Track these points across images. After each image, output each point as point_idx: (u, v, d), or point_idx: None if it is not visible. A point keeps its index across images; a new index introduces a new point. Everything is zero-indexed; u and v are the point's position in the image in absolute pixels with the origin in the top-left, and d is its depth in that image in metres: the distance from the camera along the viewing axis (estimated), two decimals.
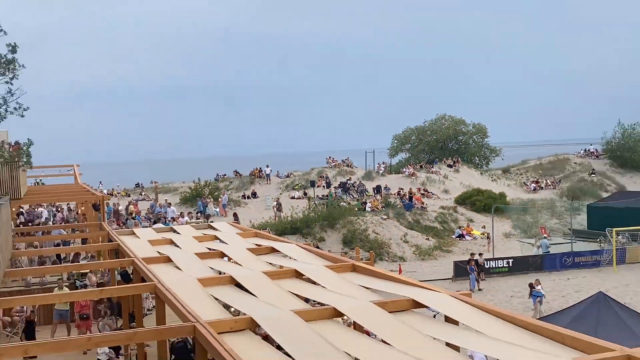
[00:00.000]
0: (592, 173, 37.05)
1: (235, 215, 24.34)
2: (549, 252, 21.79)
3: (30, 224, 17.34)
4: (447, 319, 4.57)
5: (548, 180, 36.68)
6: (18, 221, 16.60)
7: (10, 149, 14.47)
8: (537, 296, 15.20)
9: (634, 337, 8.63)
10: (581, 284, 18.03)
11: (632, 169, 38.34)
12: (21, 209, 18.14)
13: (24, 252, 13.10)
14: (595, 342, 3.31)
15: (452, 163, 37.30)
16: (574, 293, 16.86)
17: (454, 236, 24.67)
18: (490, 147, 43.49)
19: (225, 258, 8.25)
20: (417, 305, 4.77)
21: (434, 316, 5.79)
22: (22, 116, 12.06)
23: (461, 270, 19.50)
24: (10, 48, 11.04)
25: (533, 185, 35.94)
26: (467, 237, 24.59)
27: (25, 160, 15.14)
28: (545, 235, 23.05)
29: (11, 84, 11.36)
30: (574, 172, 38.26)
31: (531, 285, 15.47)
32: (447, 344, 3.98)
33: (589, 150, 43.28)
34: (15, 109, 11.67)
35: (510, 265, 20.70)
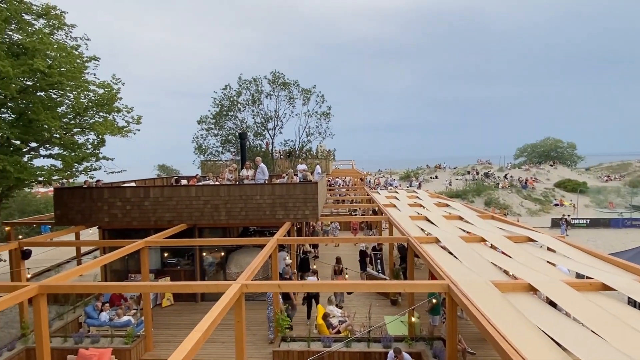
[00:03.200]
0: None
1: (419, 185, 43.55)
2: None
3: (331, 186, 36.82)
4: (548, 249, 7.87)
5: (615, 175, 54.83)
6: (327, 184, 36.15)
7: (327, 152, 33.55)
8: None
9: None
10: (636, 237, 28.37)
11: None
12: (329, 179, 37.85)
13: (328, 205, 29.83)
14: None
15: (552, 163, 54.03)
16: (630, 242, 24.43)
17: (552, 204, 40.05)
18: (577, 155, 68.95)
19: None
20: (530, 239, 8.39)
21: (540, 247, 8.43)
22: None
23: (555, 223, 34.89)
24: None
25: (605, 177, 54.57)
26: (560, 205, 39.74)
27: (333, 157, 34.47)
28: (613, 207, 37.13)
29: None
30: (634, 171, 56.68)
31: None
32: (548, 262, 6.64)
33: None
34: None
35: (588, 222, 35.39)
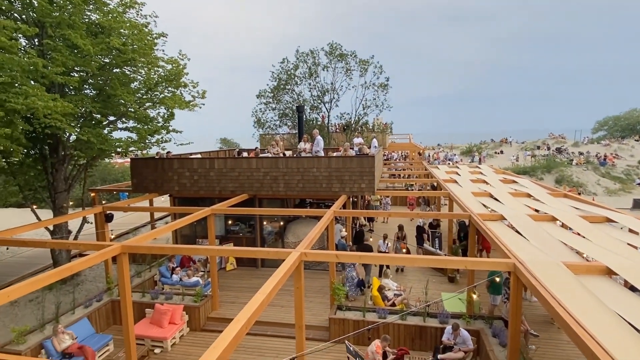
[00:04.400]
0: None
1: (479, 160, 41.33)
2: None
3: (387, 160, 36.15)
4: (630, 231, 7.63)
5: None
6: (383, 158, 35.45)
7: (384, 125, 32.39)
8: None
9: None
10: None
11: None
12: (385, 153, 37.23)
13: (384, 180, 29.66)
14: None
15: (638, 138, 47.06)
16: None
17: (634, 183, 36.07)
18: None
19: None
20: (609, 220, 7.91)
21: (621, 229, 7.91)
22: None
23: (638, 203, 31.59)
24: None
25: None
26: None
27: (390, 130, 33.28)
28: None
29: None
30: None
31: None
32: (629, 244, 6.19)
33: None
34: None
35: None
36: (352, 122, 29.49)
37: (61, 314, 9.49)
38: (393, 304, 10.12)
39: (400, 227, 14.08)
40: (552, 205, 9.89)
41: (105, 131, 11.88)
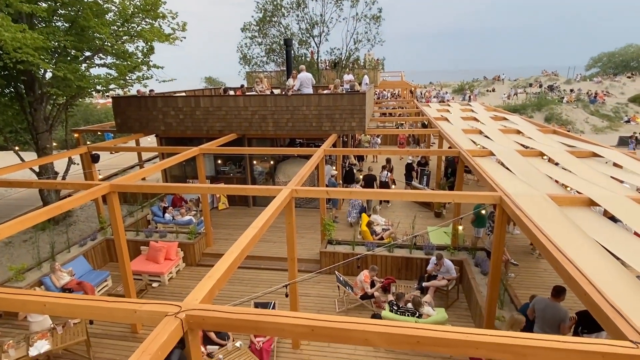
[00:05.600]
0: None
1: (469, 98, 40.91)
2: None
3: (378, 99, 35.44)
4: (615, 164, 7.67)
5: None
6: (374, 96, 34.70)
7: (375, 62, 31.39)
8: None
9: None
10: None
11: None
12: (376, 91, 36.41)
13: (375, 119, 30.22)
14: None
15: (630, 75, 46.48)
16: None
17: (622, 121, 36.42)
18: None
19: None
20: (596, 155, 8.01)
21: (606, 163, 8.01)
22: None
23: (623, 141, 32.04)
24: None
25: None
26: (632, 123, 36.03)
27: (381, 67, 32.27)
28: None
29: None
30: None
31: None
32: (612, 177, 6.35)
33: None
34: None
35: None
36: (342, 58, 28.39)
37: (57, 253, 9.66)
38: (381, 238, 10.50)
39: (388, 160, 14.70)
40: (541, 141, 9.95)
41: (83, 67, 11.25)
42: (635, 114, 37.70)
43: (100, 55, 12.00)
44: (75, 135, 15.06)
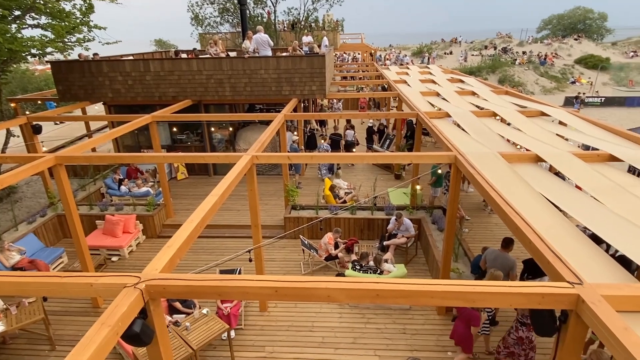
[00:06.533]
0: None
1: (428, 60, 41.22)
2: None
3: (337, 61, 34.90)
4: (561, 123, 8.08)
5: None
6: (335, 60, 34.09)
7: (334, 23, 30.84)
8: None
9: None
10: None
11: None
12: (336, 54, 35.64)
13: (336, 83, 29.72)
14: None
15: (577, 37, 49.43)
16: None
17: (568, 82, 38.46)
18: (607, 28, 61.36)
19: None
20: (544, 114, 8.48)
21: (552, 121, 8.37)
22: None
23: (569, 101, 33.87)
24: None
25: (632, 53, 49.07)
26: (577, 84, 38.18)
27: (341, 29, 31.73)
28: (632, 85, 35.64)
29: None
30: None
31: None
32: (558, 135, 6.74)
33: None
34: None
35: (602, 101, 34.28)
36: (300, 19, 27.43)
37: (3, 232, 9.08)
38: (344, 202, 10.70)
39: (348, 120, 15.49)
40: (494, 102, 10.30)
41: (13, 28, 10.14)
42: (580, 75, 39.86)
43: (32, 14, 10.82)
44: (12, 105, 13.80)
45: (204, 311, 6.36)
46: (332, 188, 10.98)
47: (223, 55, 12.49)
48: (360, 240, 9.51)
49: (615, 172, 5.39)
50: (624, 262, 3.95)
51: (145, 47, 53.85)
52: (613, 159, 5.77)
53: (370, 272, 7.41)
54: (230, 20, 27.62)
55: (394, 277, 7.25)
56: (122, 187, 11.40)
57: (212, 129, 13.80)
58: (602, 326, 2.48)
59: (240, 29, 21.54)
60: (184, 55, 14.12)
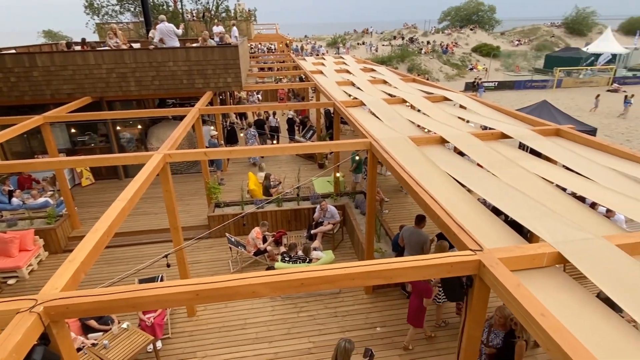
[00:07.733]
0: (552, 36, 57.00)
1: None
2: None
3: (254, 54, 34.26)
4: (461, 106, 8.81)
5: (525, 40, 57.15)
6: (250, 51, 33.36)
7: (248, 12, 30.61)
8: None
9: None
10: (533, 97, 29.42)
11: (576, 35, 58.95)
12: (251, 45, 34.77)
13: (253, 74, 28.96)
14: (540, 121, 6.78)
15: (472, 28, 53.80)
16: (527, 102, 26.09)
17: (467, 69, 42.45)
18: (496, 19, 68.37)
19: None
20: (446, 99, 9.18)
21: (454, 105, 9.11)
22: None
23: (468, 86, 37.52)
24: None
25: (517, 42, 56.57)
26: (474, 70, 42.34)
27: (254, 19, 31.49)
28: (519, 71, 40.63)
29: None
30: (542, 36, 58.88)
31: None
32: (459, 117, 7.61)
33: (553, 23, 65.28)
34: None
35: (496, 85, 38.56)
36: (210, 8, 26.26)
37: None
38: (270, 195, 10.61)
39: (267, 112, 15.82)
40: (403, 89, 10.94)
41: None
42: (477, 62, 44.22)
43: None
44: None
45: (124, 325, 5.90)
46: (267, 177, 10.74)
47: (125, 47, 11.48)
48: (288, 231, 9.55)
49: (506, 147, 6.08)
50: (517, 227, 4.49)
51: (32, 39, 47.37)
52: (504, 136, 6.50)
53: (300, 262, 7.49)
54: (132, 9, 25.45)
55: (322, 264, 7.43)
56: (14, 200, 9.99)
57: (119, 128, 12.69)
58: (499, 285, 2.80)
59: (143, 18, 19.98)
60: (77, 48, 12.69)
